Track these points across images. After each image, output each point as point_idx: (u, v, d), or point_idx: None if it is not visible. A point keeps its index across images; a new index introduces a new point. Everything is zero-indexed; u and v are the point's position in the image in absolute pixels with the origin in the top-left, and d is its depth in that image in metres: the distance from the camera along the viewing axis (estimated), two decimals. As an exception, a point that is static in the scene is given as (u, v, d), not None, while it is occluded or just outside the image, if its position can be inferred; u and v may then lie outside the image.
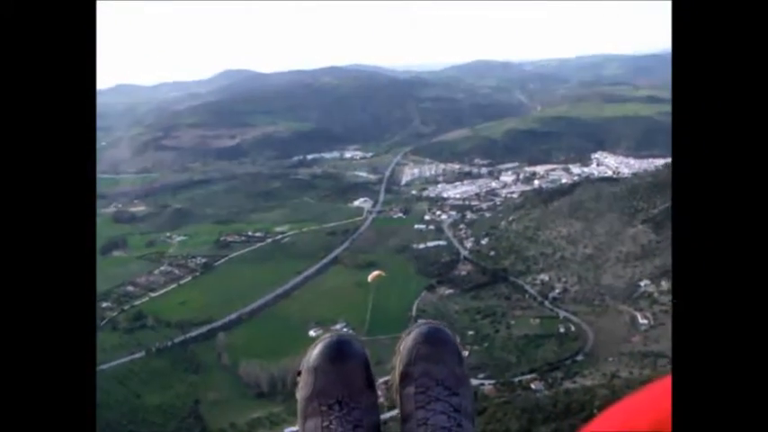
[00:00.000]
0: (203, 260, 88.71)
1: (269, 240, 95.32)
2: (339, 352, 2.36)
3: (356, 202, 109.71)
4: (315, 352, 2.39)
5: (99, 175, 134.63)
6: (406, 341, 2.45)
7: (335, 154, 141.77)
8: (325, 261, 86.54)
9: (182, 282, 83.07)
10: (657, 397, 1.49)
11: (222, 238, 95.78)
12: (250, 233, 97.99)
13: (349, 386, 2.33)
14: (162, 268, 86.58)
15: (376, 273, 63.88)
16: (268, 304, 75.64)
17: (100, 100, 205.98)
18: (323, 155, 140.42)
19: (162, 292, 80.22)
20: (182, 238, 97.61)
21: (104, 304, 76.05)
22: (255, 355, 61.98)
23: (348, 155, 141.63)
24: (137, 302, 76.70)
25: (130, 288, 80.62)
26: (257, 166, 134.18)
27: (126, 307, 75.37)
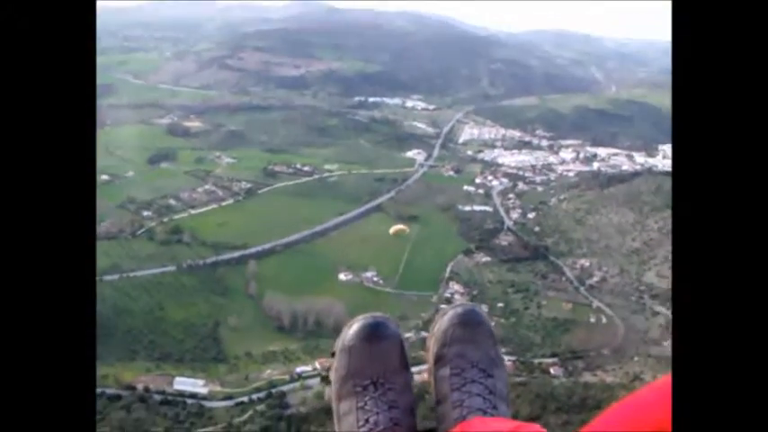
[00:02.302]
0: (248, 185, 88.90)
1: (316, 176, 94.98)
2: (374, 332, 2.38)
3: (409, 153, 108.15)
4: (350, 332, 2.40)
5: (159, 85, 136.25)
6: (441, 322, 2.47)
7: (397, 101, 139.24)
8: (368, 206, 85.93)
9: (223, 203, 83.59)
10: (657, 397, 1.49)
11: (270, 167, 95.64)
12: (298, 166, 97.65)
13: (384, 367, 2.35)
14: (206, 187, 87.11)
15: (399, 227, 62.98)
16: (304, 240, 75.56)
17: (169, 11, 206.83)
18: (384, 100, 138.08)
19: (202, 210, 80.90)
20: (230, 160, 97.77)
21: (145, 213, 77.26)
22: (282, 289, 62.09)
23: (410, 104, 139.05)
24: (176, 216, 77.62)
25: (172, 201, 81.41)
26: (317, 101, 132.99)
27: (165, 219, 76.30)
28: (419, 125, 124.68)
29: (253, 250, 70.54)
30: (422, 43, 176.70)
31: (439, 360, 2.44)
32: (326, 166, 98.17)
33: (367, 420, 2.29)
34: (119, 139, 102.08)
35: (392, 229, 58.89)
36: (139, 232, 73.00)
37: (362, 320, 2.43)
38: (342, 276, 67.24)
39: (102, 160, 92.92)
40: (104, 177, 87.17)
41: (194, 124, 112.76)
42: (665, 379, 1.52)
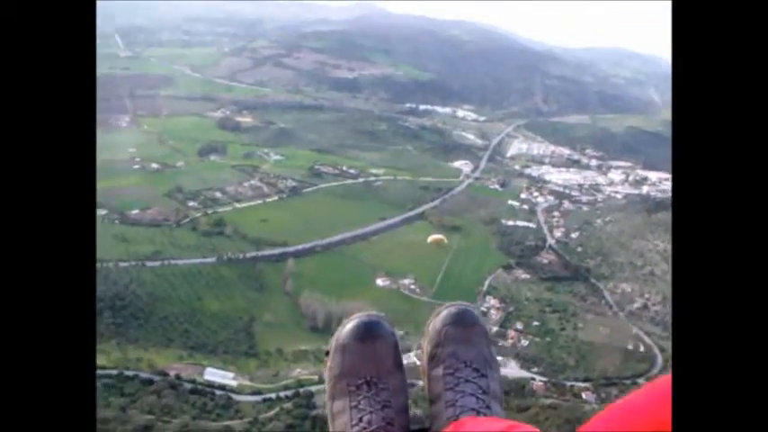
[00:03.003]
0: (293, 184, 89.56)
1: (361, 180, 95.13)
2: (368, 332, 2.39)
3: (456, 163, 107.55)
4: (344, 331, 2.42)
5: (214, 79, 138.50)
6: (435, 322, 2.49)
7: (448, 110, 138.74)
8: (411, 213, 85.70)
9: (268, 200, 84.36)
10: (657, 397, 1.49)
11: (316, 167, 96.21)
12: (344, 168, 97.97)
13: (378, 366, 2.36)
14: (252, 182, 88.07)
15: (438, 236, 62.54)
16: (344, 242, 75.68)
17: (231, 8, 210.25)
18: (435, 108, 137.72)
19: (247, 205, 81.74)
20: (278, 157, 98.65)
21: (190, 203, 78.55)
22: (319, 289, 62.28)
23: (460, 114, 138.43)
24: (220, 209, 78.61)
25: (218, 194, 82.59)
26: (368, 105, 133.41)
27: (210, 211, 77.34)
28: (468, 136, 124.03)
29: (293, 248, 70.97)
30: (476, 54, 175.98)
31: (432, 359, 2.45)
32: (372, 170, 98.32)
33: (360, 419, 2.29)
34: (172, 130, 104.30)
35: (430, 238, 58.62)
36: (184, 222, 74.23)
37: (357, 319, 2.45)
38: (379, 281, 67.14)
39: (154, 149, 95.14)
40: (155, 166, 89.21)
41: (246, 120, 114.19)
42: (664, 379, 1.52)
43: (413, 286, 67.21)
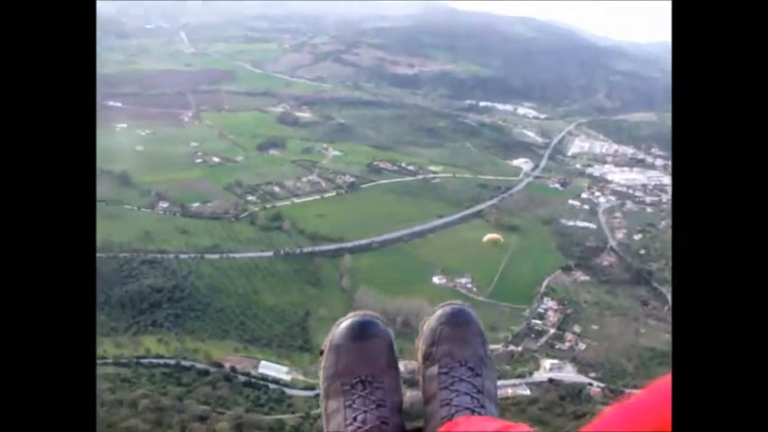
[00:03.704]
0: (351, 179, 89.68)
1: (420, 176, 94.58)
2: (363, 331, 2.40)
3: (516, 161, 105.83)
4: (338, 330, 2.42)
5: (275, 74, 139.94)
6: (430, 321, 2.49)
7: (508, 107, 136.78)
8: (469, 211, 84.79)
9: (325, 195, 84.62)
10: (657, 397, 1.51)
11: (375, 163, 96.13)
12: (403, 164, 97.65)
13: (372, 366, 2.36)
14: (311, 177, 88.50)
15: (494, 236, 61.32)
16: (402, 239, 75.30)
17: (294, 4, 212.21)
18: (495, 105, 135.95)
19: (305, 200, 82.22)
20: (337, 153, 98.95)
21: (249, 197, 79.49)
22: (375, 286, 62.09)
23: (521, 111, 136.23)
24: (279, 204, 79.27)
25: (276, 188, 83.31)
26: (428, 101, 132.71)
27: (268, 206, 78.08)
28: (528, 134, 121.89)
29: (349, 244, 70.97)
30: (539, 50, 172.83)
31: (427, 358, 2.43)
32: (431, 167, 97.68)
33: (355, 419, 2.27)
34: (232, 124, 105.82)
35: (486, 237, 57.70)
36: (242, 215, 75.09)
37: (351, 319, 2.42)
38: (436, 279, 66.48)
39: (215, 143, 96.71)
40: (216, 160, 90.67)
41: (305, 115, 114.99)
42: (664, 379, 1.52)
43: (469, 285, 66.31)
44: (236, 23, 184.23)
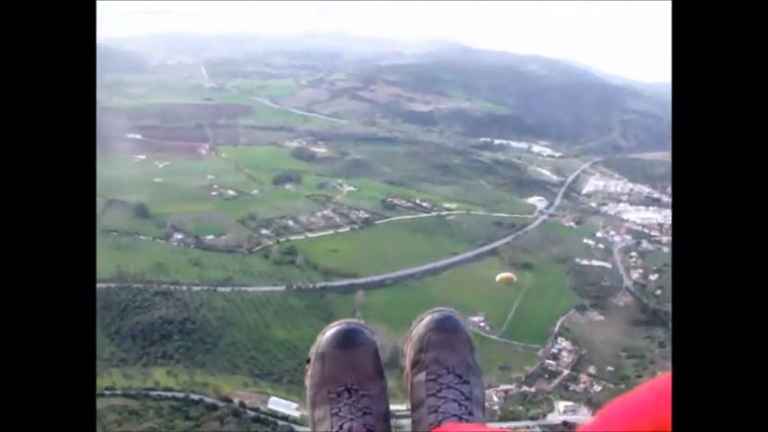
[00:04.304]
0: (366, 215, 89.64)
1: (434, 213, 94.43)
2: (348, 339, 2.40)
3: (530, 199, 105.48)
4: (324, 339, 2.43)
5: (292, 109, 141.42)
6: (418, 328, 2.50)
7: (523, 145, 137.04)
8: (482, 249, 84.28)
9: (339, 230, 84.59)
10: (657, 397, 1.52)
11: (389, 199, 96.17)
12: (417, 201, 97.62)
13: (358, 373, 2.37)
14: (325, 212, 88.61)
15: (506, 275, 60.83)
16: (415, 276, 74.86)
17: (311, 42, 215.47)
18: (510, 143, 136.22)
19: (318, 234, 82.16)
20: (351, 188, 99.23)
21: (263, 231, 79.60)
22: (387, 322, 61.24)
23: (536, 149, 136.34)
24: (292, 238, 79.23)
25: (291, 223, 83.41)
26: (443, 138, 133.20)
27: (282, 240, 78.06)
28: (543, 171, 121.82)
29: (362, 280, 70.68)
30: (553, 88, 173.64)
31: (415, 365, 2.42)
32: (445, 204, 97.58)
33: (341, 427, 2.27)
34: (249, 158, 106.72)
35: (499, 276, 57.26)
36: (256, 249, 75.15)
37: (336, 327, 2.42)
38: (448, 317, 65.79)
39: (231, 176, 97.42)
40: (231, 193, 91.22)
41: (321, 150, 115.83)
42: (664, 377, 1.53)
43: (483, 324, 65.59)
44: (255, 59, 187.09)
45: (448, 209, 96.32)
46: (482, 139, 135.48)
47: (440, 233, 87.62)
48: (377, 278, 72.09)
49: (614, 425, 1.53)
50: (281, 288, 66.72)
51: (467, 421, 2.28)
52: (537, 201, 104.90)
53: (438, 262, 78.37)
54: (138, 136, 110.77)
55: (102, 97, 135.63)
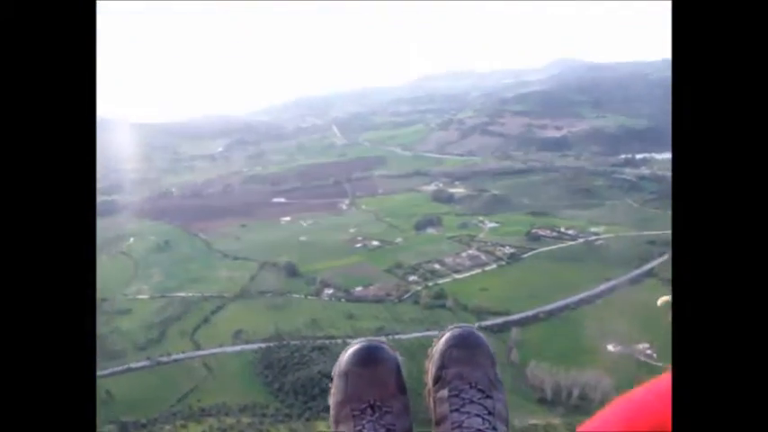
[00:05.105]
0: (511, 250, 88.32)
1: (581, 240, 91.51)
2: (370, 356, 2.39)
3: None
4: (346, 357, 2.42)
5: (425, 153, 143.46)
6: (439, 344, 2.49)
7: (666, 155, 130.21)
8: (638, 271, 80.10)
9: (486, 268, 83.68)
10: (657, 396, 1.55)
11: (533, 231, 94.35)
12: (562, 229, 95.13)
13: (380, 390, 2.36)
14: (470, 251, 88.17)
15: (668, 297, 56.99)
16: (569, 307, 72.33)
17: (431, 84, 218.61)
18: (653, 155, 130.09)
19: (466, 275, 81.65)
20: (493, 224, 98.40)
21: (411, 278, 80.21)
22: (546, 358, 59.62)
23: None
24: (440, 281, 79.18)
25: (437, 266, 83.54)
26: (581, 161, 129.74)
27: (430, 284, 78.24)
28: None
29: (515, 317, 69.17)
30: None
31: (437, 381, 2.41)
32: (592, 229, 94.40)
33: None
34: (388, 207, 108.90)
35: (660, 300, 53.67)
36: (405, 296, 75.73)
37: (358, 345, 2.42)
38: (611, 348, 62.77)
39: (373, 227, 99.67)
40: (375, 243, 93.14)
41: (458, 190, 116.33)
42: (664, 377, 1.55)
43: (649, 351, 61.84)
44: (382, 110, 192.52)
45: (595, 233, 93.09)
46: (622, 156, 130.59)
47: (590, 260, 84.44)
48: (530, 313, 70.30)
49: (614, 425, 1.54)
50: (434, 333, 66.21)
51: None
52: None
53: (592, 290, 75.34)
54: (282, 199, 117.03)
55: (246, 168, 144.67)
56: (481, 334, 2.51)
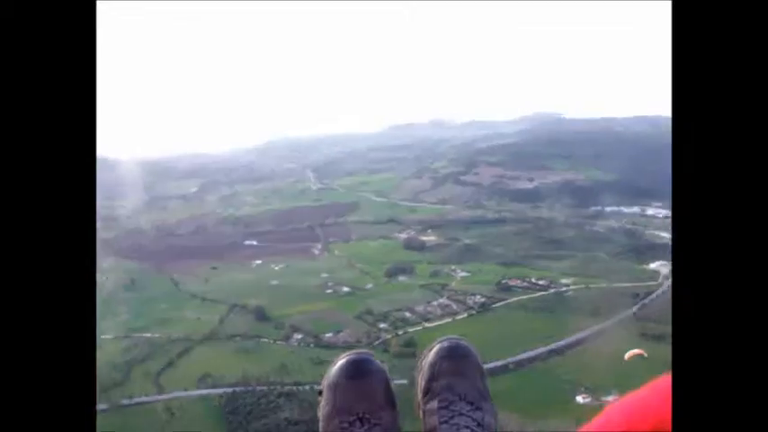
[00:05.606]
0: (482, 299, 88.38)
1: (552, 290, 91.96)
2: (358, 369, 2.42)
3: (653, 265, 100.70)
4: (335, 369, 2.47)
5: (398, 201, 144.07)
6: (428, 356, 2.53)
7: (636, 209, 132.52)
8: (608, 323, 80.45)
9: (457, 317, 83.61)
10: (657, 397, 1.53)
11: (504, 281, 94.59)
12: (533, 280, 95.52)
13: (369, 403, 2.38)
14: (441, 300, 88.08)
15: (637, 351, 57.27)
16: (539, 358, 72.36)
17: (409, 132, 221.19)
18: (622, 209, 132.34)
19: (436, 323, 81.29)
20: (465, 273, 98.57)
21: (381, 325, 79.82)
22: (515, 409, 59.19)
23: (650, 212, 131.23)
24: (411, 329, 78.78)
25: (407, 314, 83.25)
26: (552, 212, 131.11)
27: (400, 332, 77.87)
28: (662, 234, 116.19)
29: (485, 367, 68.45)
30: (662, 147, 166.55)
31: (427, 393, 2.43)
32: (563, 280, 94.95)
33: None
34: (360, 253, 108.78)
35: (627, 355, 54.10)
36: (376, 343, 75.13)
37: (346, 358, 2.43)
38: (580, 399, 62.73)
39: (344, 273, 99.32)
40: (346, 289, 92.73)
41: (431, 238, 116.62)
42: (664, 379, 1.53)
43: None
44: (357, 156, 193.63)
45: (566, 284, 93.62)
46: (593, 209, 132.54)
47: (560, 310, 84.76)
48: (499, 363, 69.97)
49: (614, 425, 1.53)
50: (404, 381, 65.55)
51: None
52: (659, 266, 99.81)
53: (562, 341, 75.43)
54: (255, 242, 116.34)
55: (220, 209, 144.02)
56: (471, 346, 2.58)
